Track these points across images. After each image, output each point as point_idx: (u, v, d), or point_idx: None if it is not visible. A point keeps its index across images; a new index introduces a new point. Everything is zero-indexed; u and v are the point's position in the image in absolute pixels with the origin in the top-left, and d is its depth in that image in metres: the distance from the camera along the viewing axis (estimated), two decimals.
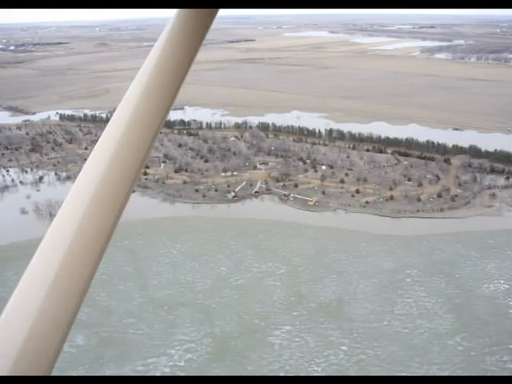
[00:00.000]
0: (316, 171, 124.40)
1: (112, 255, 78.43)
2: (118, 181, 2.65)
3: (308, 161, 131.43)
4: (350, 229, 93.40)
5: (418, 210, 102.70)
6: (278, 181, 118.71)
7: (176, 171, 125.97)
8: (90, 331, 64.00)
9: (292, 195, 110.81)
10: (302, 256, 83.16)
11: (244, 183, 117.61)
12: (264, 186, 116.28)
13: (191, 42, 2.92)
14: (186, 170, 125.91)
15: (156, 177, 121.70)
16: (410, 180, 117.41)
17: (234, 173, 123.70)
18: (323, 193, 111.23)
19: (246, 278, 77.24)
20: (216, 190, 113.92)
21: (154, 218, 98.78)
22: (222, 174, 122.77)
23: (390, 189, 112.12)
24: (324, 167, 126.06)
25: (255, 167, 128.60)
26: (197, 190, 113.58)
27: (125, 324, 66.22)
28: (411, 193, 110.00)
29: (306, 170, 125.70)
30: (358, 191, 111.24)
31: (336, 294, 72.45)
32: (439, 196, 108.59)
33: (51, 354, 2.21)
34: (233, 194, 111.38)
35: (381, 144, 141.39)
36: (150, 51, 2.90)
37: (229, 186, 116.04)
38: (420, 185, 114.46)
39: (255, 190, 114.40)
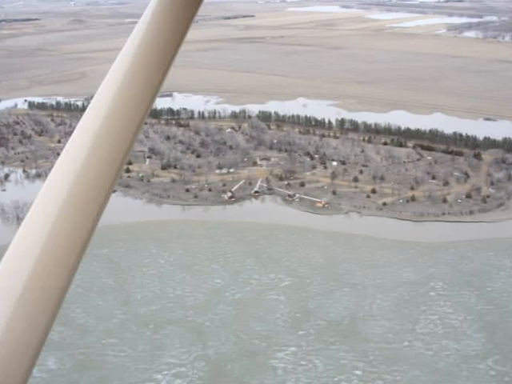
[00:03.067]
0: (325, 168, 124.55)
1: (89, 265, 78.44)
2: (96, 179, 2.66)
3: (316, 156, 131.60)
4: (364, 234, 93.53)
5: (443, 213, 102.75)
6: (281, 179, 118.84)
7: (163, 168, 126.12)
8: (63, 353, 64.04)
9: (298, 196, 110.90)
10: (309, 266, 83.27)
11: (242, 182, 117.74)
12: (265, 184, 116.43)
13: (181, 19, 2.91)
14: (175, 167, 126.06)
15: (140, 174, 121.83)
16: (434, 178, 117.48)
17: (231, 170, 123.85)
18: (334, 193, 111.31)
19: (244, 291, 77.31)
20: (210, 190, 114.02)
21: (138, 221, 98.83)
22: (217, 172, 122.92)
23: (412, 188, 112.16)
24: (335, 163, 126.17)
25: (255, 163, 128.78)
26: (187, 190, 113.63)
27: (104, 345, 66.25)
28: (436, 193, 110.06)
29: (314, 167, 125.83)
30: (374, 191, 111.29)
31: (349, 310, 72.51)
32: (468, 197, 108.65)
33: (19, 379, 2.20)
34: (229, 194, 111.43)
35: (400, 136, 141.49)
36: (133, 29, 2.90)
37: (224, 184, 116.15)
38: (446, 184, 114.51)
39: (255, 189, 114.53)
